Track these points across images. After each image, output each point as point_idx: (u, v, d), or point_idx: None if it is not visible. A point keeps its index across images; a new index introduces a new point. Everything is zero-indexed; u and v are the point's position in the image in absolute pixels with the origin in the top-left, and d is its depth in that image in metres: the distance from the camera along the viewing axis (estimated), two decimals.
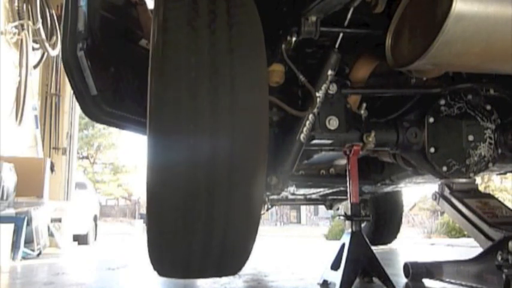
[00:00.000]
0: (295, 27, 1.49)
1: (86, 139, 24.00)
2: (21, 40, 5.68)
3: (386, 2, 1.47)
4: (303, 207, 27.30)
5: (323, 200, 3.93)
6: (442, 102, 1.88)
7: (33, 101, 6.42)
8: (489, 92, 1.93)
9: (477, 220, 2.17)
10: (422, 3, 1.36)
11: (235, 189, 1.11)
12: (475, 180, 2.43)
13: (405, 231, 8.70)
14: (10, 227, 4.07)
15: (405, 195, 4.71)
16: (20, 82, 5.70)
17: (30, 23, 5.77)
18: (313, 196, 3.46)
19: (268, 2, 1.58)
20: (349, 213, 2.11)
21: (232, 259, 1.24)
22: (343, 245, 2.06)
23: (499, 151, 1.89)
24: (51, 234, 5.55)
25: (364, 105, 1.83)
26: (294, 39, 1.51)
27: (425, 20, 1.31)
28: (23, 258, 4.21)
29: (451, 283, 2.04)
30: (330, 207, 4.04)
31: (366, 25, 1.60)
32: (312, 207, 25.79)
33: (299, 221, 29.87)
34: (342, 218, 2.27)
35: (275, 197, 3.41)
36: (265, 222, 24.10)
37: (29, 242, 4.51)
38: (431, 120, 1.86)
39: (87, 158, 25.17)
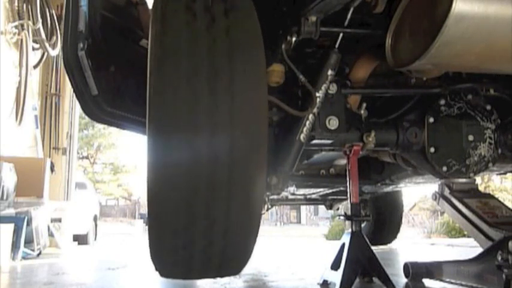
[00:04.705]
0: (295, 27, 1.49)
1: (86, 139, 24.00)
2: (21, 40, 5.67)
3: (386, 2, 1.47)
4: (303, 207, 27.30)
5: (323, 200, 3.93)
6: (442, 102, 1.88)
7: (33, 101, 6.41)
8: (489, 92, 1.93)
9: (477, 220, 2.17)
10: (423, 3, 1.36)
11: (235, 189, 1.11)
12: (475, 180, 2.43)
13: (405, 231, 8.70)
14: (10, 227, 4.07)
15: (405, 195, 4.71)
16: (20, 82, 5.69)
17: (30, 23, 5.76)
18: (313, 196, 3.45)
19: (268, 1, 1.58)
20: (349, 213, 2.11)
21: (233, 259, 1.24)
22: (343, 245, 2.06)
23: (499, 151, 1.89)
24: (51, 234, 5.55)
25: (364, 105, 1.83)
26: (294, 39, 1.51)
27: (425, 20, 1.31)
28: (23, 258, 4.21)
29: (451, 283, 2.04)
30: (330, 207, 4.04)
31: (366, 25, 1.60)
32: (312, 207, 25.79)
33: (299, 221, 29.87)
34: (342, 218, 2.27)
35: (275, 197, 3.40)
36: (265, 222, 24.05)
37: (29, 242, 4.51)
38: (431, 120, 1.87)
39: (87, 158, 25.17)
